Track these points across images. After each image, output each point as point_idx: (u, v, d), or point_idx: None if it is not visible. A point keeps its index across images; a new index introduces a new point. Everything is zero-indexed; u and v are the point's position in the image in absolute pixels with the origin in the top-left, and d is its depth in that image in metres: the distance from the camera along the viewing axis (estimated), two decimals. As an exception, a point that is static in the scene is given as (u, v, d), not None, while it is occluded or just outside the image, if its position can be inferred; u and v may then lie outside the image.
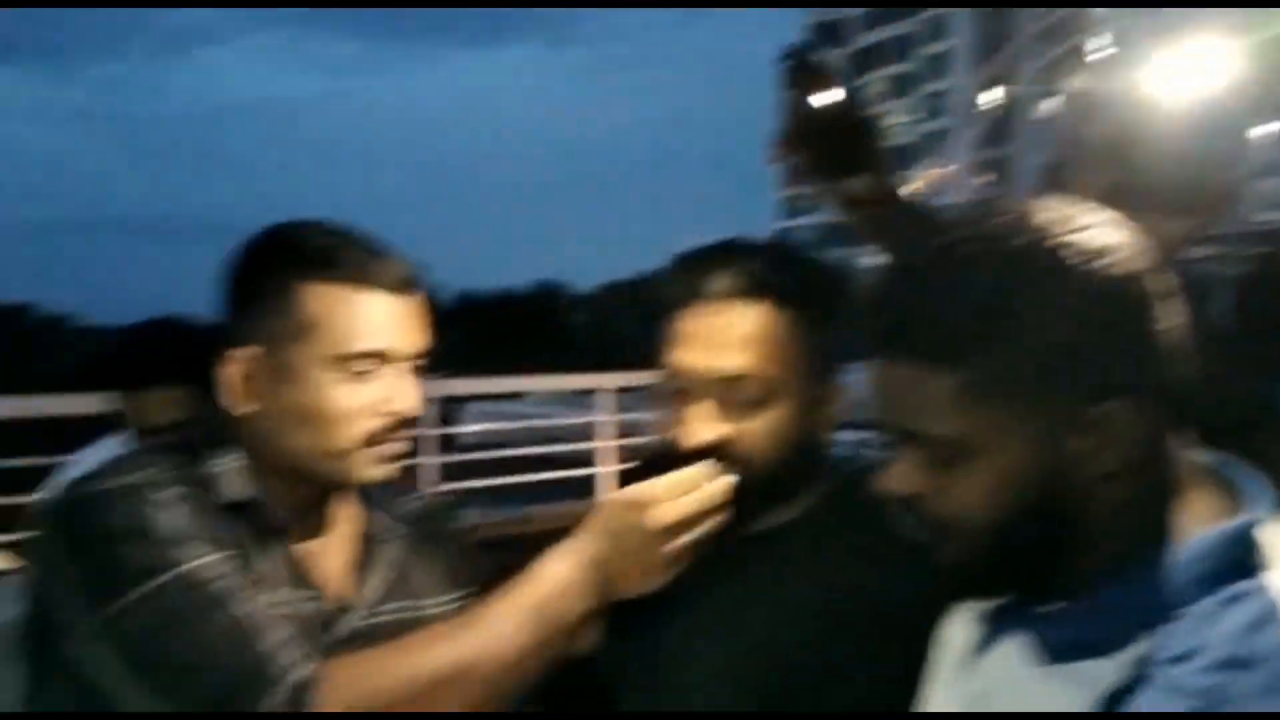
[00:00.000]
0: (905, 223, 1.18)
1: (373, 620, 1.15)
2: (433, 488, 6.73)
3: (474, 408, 18.64)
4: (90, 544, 1.00)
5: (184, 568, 0.99)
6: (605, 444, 7.52)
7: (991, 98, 26.63)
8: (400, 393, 1.10)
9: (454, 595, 1.25)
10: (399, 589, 1.20)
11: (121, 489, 1.03)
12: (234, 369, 1.09)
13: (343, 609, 1.14)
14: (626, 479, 1.38)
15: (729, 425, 1.12)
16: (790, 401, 1.12)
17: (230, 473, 1.10)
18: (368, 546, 1.20)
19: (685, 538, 1.06)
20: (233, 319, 1.11)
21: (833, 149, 1.16)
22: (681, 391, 1.15)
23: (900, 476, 0.87)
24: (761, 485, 1.13)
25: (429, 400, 6.95)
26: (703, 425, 1.12)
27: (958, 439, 0.82)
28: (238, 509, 1.09)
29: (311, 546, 1.14)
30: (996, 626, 0.90)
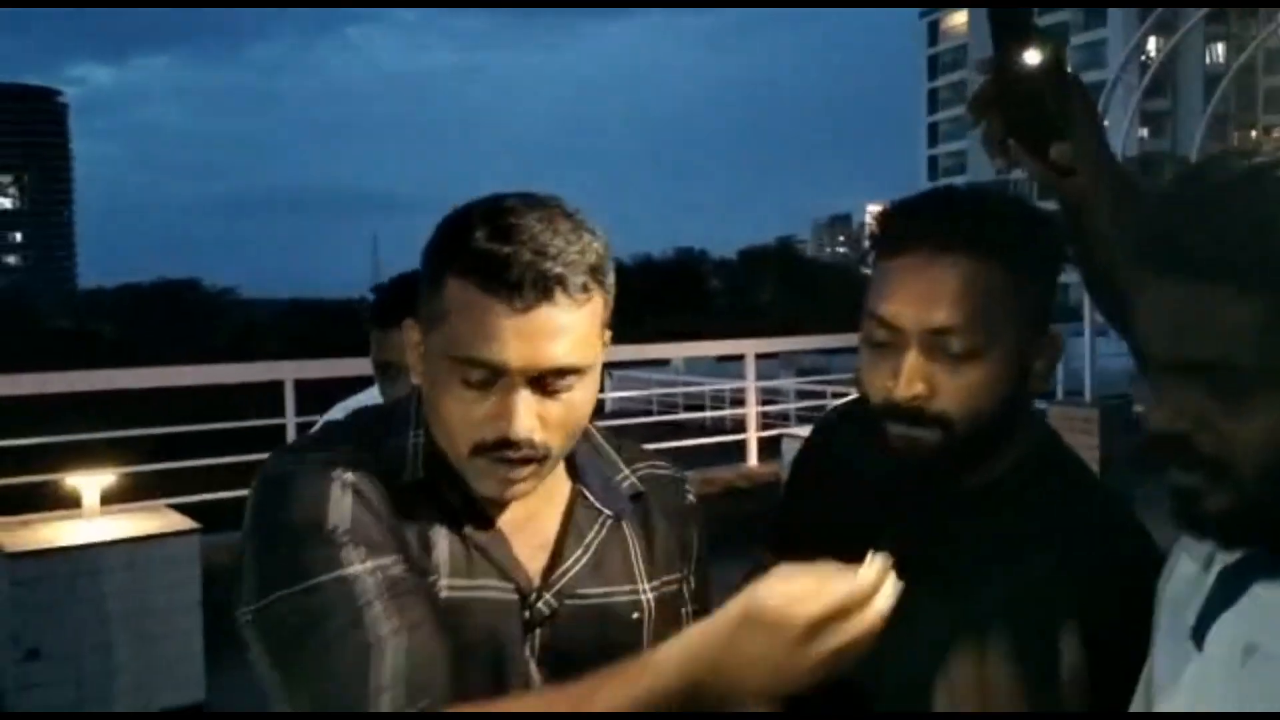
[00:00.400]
0: (1116, 187, 1.09)
1: (571, 603, 1.08)
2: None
3: (616, 374, 18.85)
4: (260, 530, 1.00)
5: (332, 574, 0.96)
6: (752, 409, 7.54)
7: (1152, 48, 25.00)
8: (508, 411, 0.99)
9: (673, 575, 1.17)
10: (608, 569, 1.11)
11: (305, 470, 1.01)
12: (407, 337, 1.06)
13: (531, 595, 1.06)
14: (823, 429, 1.32)
15: (936, 380, 1.07)
16: (1001, 356, 1.08)
17: (412, 450, 1.06)
18: (568, 527, 1.11)
19: (831, 643, 0.88)
20: (421, 287, 1.06)
21: (1039, 112, 1.07)
22: (885, 344, 1.10)
23: (1174, 412, 0.80)
24: (967, 443, 1.09)
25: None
26: (908, 379, 1.07)
27: (1258, 368, 0.75)
28: (419, 489, 1.04)
29: (503, 527, 1.07)
30: (1246, 578, 0.83)
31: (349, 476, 1.01)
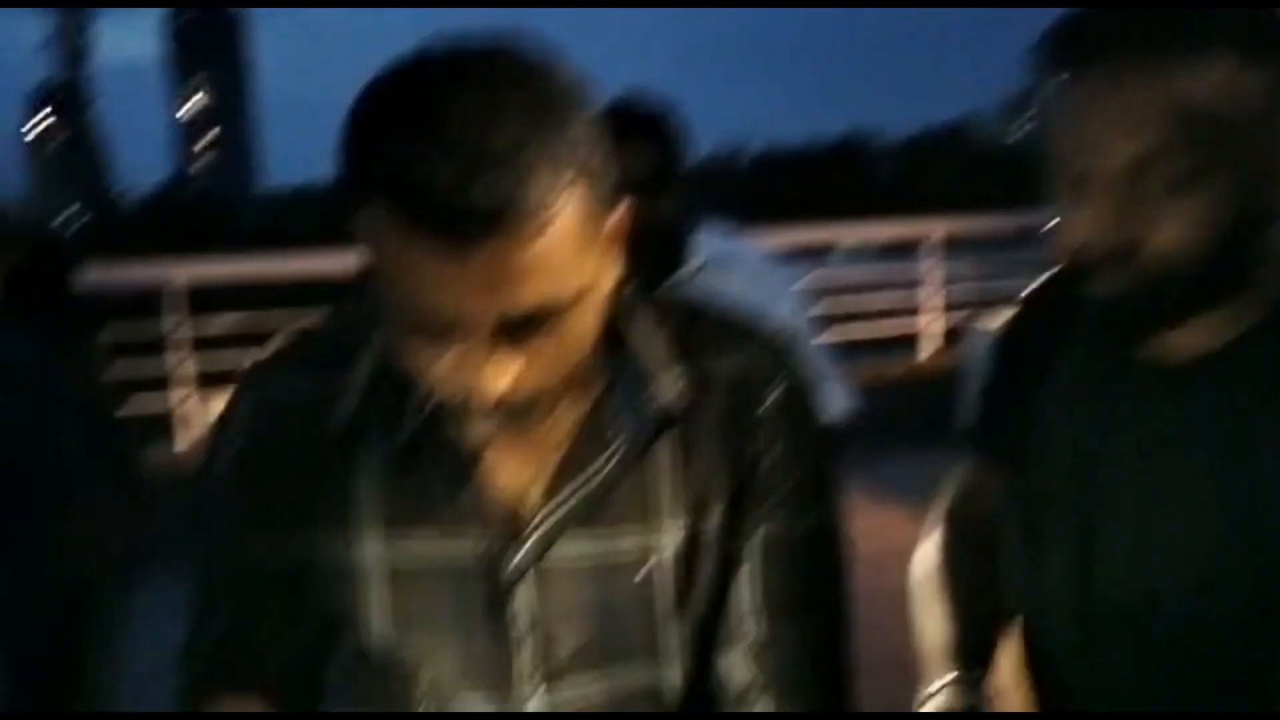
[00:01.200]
0: None
1: (564, 551, 0.86)
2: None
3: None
4: (228, 411, 0.91)
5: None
6: (929, 297, 7.09)
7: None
8: (474, 374, 0.75)
9: (690, 519, 0.88)
10: (599, 513, 0.87)
11: (247, 392, 0.90)
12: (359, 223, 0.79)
13: (509, 545, 0.86)
14: (1026, 310, 1.16)
15: (1134, 221, 0.88)
16: (1219, 187, 0.87)
17: (357, 381, 0.87)
18: (573, 452, 0.86)
19: None
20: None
21: None
22: (1073, 185, 0.90)
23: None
24: (1182, 297, 0.91)
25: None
26: (1099, 222, 0.88)
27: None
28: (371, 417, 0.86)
29: (481, 456, 0.86)
30: None
31: (251, 424, 0.88)
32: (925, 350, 7.07)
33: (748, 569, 0.89)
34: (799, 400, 0.90)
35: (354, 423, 0.85)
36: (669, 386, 0.87)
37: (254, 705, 0.89)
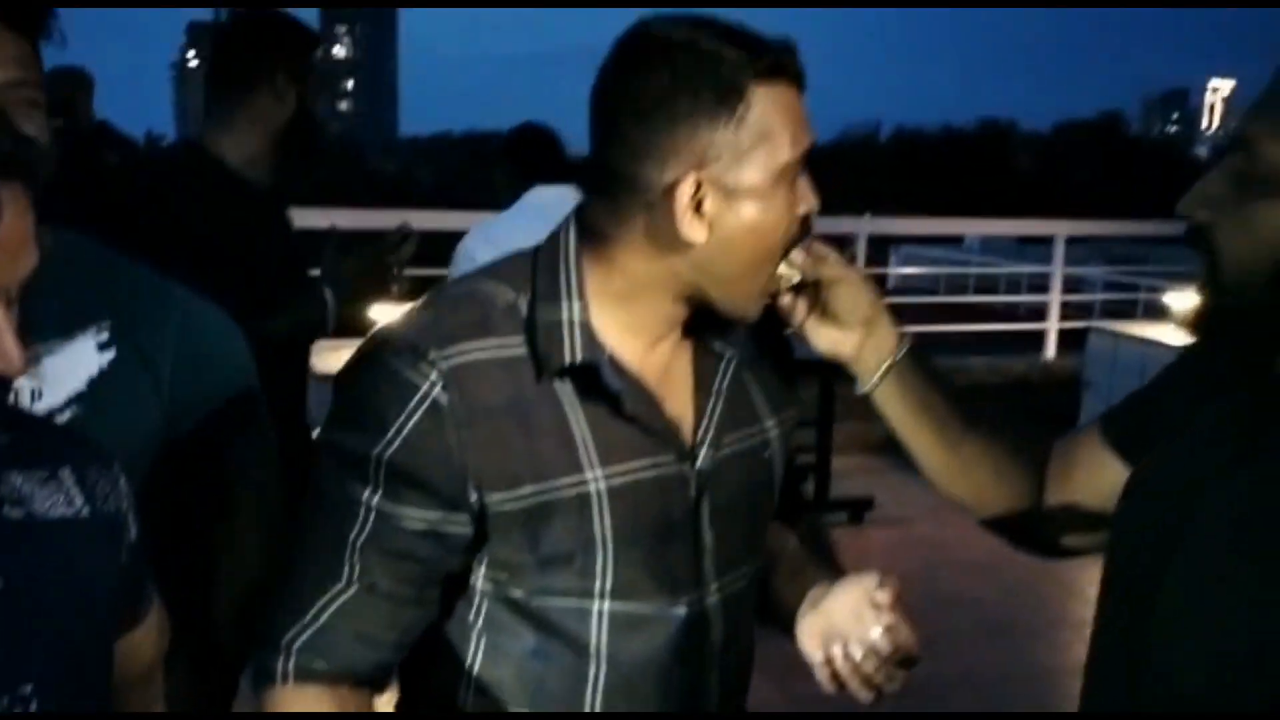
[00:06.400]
0: None
1: (719, 455, 1.05)
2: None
3: (904, 250, 18.06)
4: (337, 403, 0.99)
5: (342, 494, 0.96)
6: (1055, 297, 6.91)
7: None
8: (805, 189, 1.00)
9: (785, 412, 1.14)
10: (736, 414, 1.08)
11: (400, 359, 0.95)
12: (679, 196, 0.94)
13: (692, 456, 1.03)
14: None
15: (1220, 205, 0.86)
16: None
17: (568, 326, 0.97)
18: (701, 375, 1.06)
19: None
20: (689, 137, 0.95)
21: None
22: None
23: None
24: (1238, 316, 0.87)
25: (857, 238, 6.81)
26: (1193, 193, 0.88)
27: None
28: (565, 373, 0.97)
29: (652, 393, 1.01)
30: None
31: (438, 387, 0.94)
32: (1049, 350, 6.91)
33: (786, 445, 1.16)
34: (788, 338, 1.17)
35: (560, 374, 0.97)
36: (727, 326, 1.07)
37: (342, 702, 0.98)
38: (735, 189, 0.94)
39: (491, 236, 2.63)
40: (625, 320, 1.00)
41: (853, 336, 1.10)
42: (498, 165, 3.00)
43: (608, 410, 0.98)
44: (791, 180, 0.96)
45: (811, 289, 1.08)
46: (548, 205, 2.59)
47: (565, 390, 0.97)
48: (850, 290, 1.08)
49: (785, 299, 1.08)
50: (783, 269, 1.03)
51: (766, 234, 0.97)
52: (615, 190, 0.96)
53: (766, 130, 0.93)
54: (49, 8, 1.04)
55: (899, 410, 1.13)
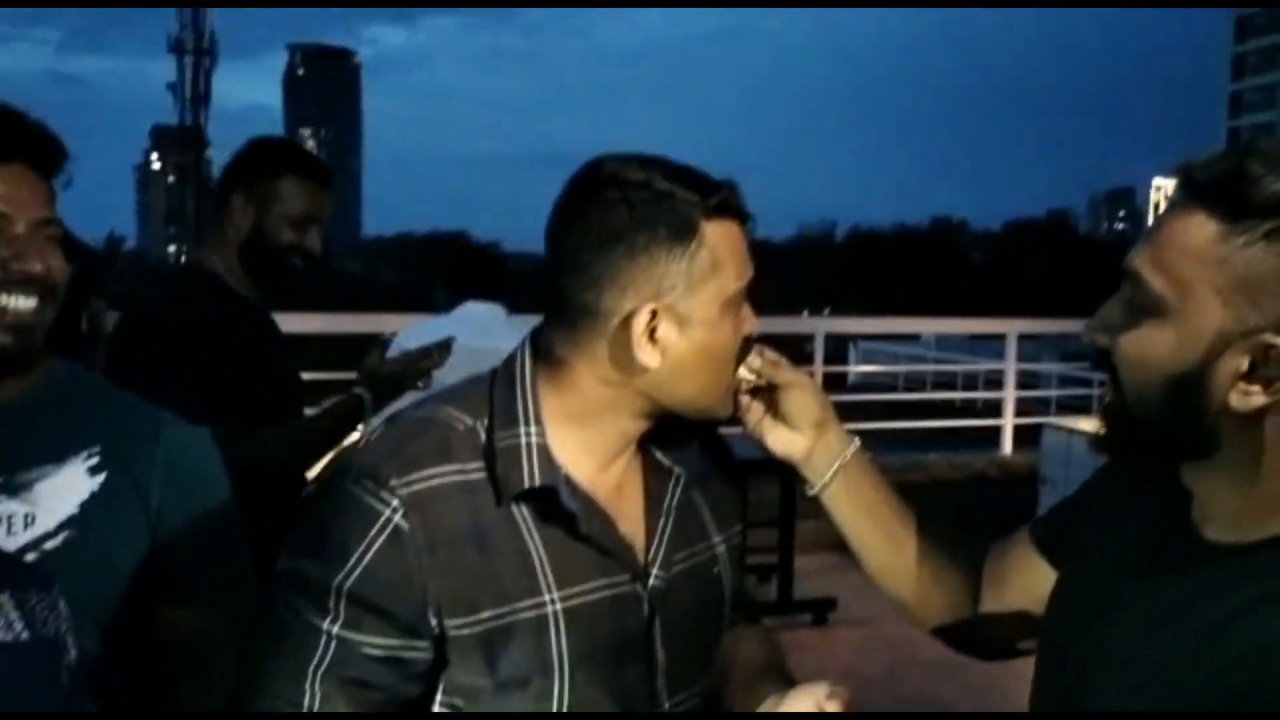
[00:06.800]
0: None
1: (671, 574, 1.07)
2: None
3: (862, 346, 18.30)
4: (301, 529, 1.00)
5: (302, 618, 0.95)
6: (1010, 393, 7.03)
7: None
8: (748, 311, 1.06)
9: (732, 529, 1.18)
10: (686, 532, 1.11)
11: (362, 489, 0.96)
12: (635, 328, 0.99)
13: (644, 575, 1.05)
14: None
15: (1113, 329, 0.92)
16: (1191, 326, 0.86)
17: (526, 450, 0.99)
18: (652, 493, 1.10)
19: None
20: (652, 270, 1.00)
21: None
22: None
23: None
24: (1139, 427, 0.91)
25: (816, 336, 6.93)
26: (1094, 318, 0.94)
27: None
28: (522, 497, 0.99)
29: (606, 513, 1.04)
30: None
31: (398, 514, 0.95)
32: (1006, 446, 6.99)
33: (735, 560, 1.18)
34: (733, 453, 1.22)
35: (518, 498, 0.99)
36: (688, 435, 1.11)
37: None
38: (688, 317, 1.00)
39: (422, 337, 2.76)
40: (582, 441, 1.03)
41: (803, 439, 1.14)
42: (439, 276, 3.33)
43: (564, 531, 1.00)
44: (737, 307, 1.03)
45: (765, 392, 1.13)
46: (477, 317, 3.01)
47: (523, 513, 1.00)
48: (801, 394, 1.13)
49: (741, 400, 1.13)
50: (741, 372, 1.09)
51: (715, 356, 1.03)
52: (573, 317, 1.00)
53: (716, 263, 1.00)
54: (66, 155, 1.18)
55: (847, 511, 1.17)
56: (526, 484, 0.98)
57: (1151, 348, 0.88)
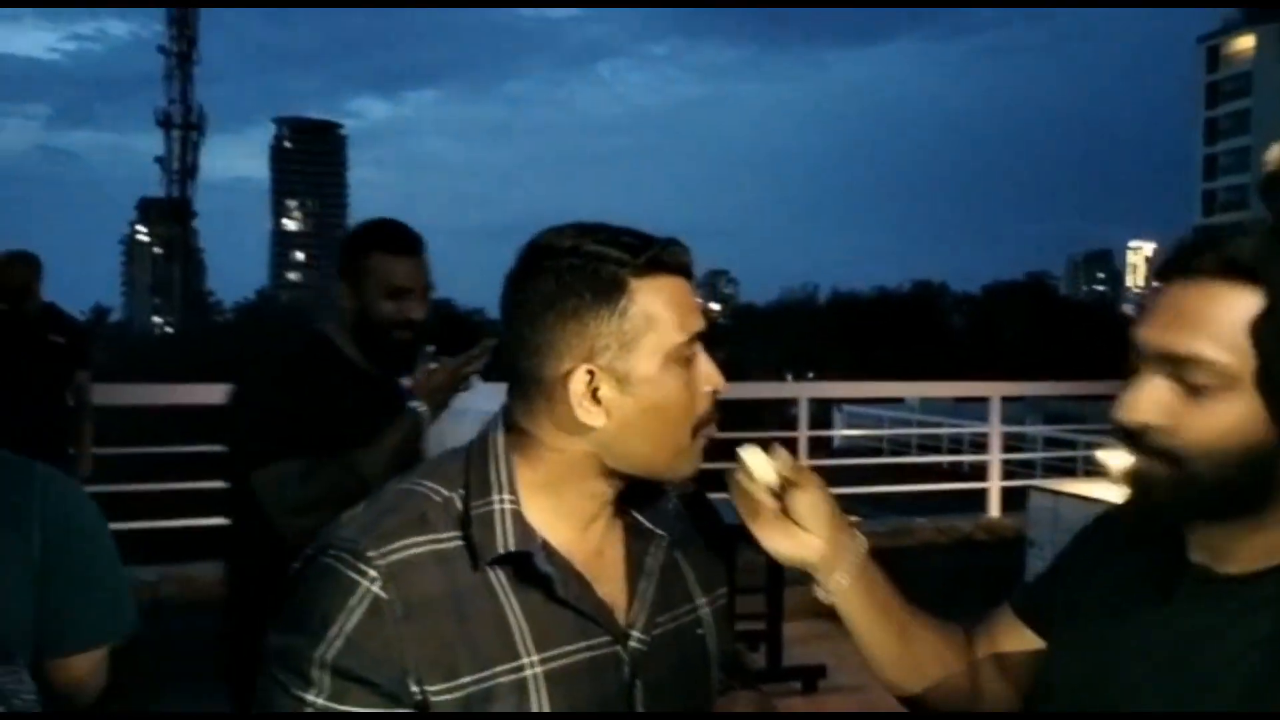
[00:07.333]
0: None
1: (653, 636, 1.08)
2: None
3: (846, 410, 18.34)
4: (286, 605, 1.00)
5: (291, 692, 0.96)
6: (995, 456, 7.05)
7: None
8: (713, 372, 1.07)
9: (717, 590, 1.19)
10: (669, 594, 1.12)
11: (342, 562, 0.97)
12: (573, 390, 1.02)
13: (624, 637, 1.06)
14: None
15: (1172, 410, 0.95)
16: (1256, 397, 0.93)
17: (500, 517, 1.02)
18: (634, 555, 1.11)
19: None
20: (586, 331, 1.03)
21: None
22: (1135, 367, 0.99)
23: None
24: (1207, 489, 0.95)
25: (800, 401, 6.95)
26: (1141, 402, 0.96)
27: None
28: (497, 562, 1.01)
29: (584, 576, 1.05)
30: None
31: (377, 584, 0.96)
32: (993, 509, 6.99)
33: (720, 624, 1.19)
34: (717, 516, 1.24)
35: (494, 564, 1.00)
36: (672, 497, 1.14)
37: None
38: (627, 375, 1.01)
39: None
40: (555, 506, 1.05)
41: (816, 542, 1.10)
42: (421, 344, 3.38)
43: (542, 596, 1.01)
44: (685, 361, 1.04)
45: (770, 493, 1.11)
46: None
47: (500, 579, 1.01)
48: (813, 496, 1.10)
49: (745, 500, 1.11)
50: (759, 471, 1.08)
51: (665, 412, 1.03)
52: (526, 387, 1.04)
53: (651, 319, 1.01)
54: None
55: (862, 611, 1.14)
56: (500, 549, 1.00)
57: (1231, 421, 0.92)
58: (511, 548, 1.00)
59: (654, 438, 1.03)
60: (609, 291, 1.00)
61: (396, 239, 2.21)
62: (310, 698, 0.95)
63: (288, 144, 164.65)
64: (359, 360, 2.21)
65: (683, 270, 1.05)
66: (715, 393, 1.07)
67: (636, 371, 1.01)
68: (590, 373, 1.01)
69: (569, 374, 1.00)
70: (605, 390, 1.01)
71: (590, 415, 1.01)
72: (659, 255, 1.02)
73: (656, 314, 1.01)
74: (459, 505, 1.02)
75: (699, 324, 1.05)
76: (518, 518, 1.02)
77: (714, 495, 1.22)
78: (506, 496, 1.02)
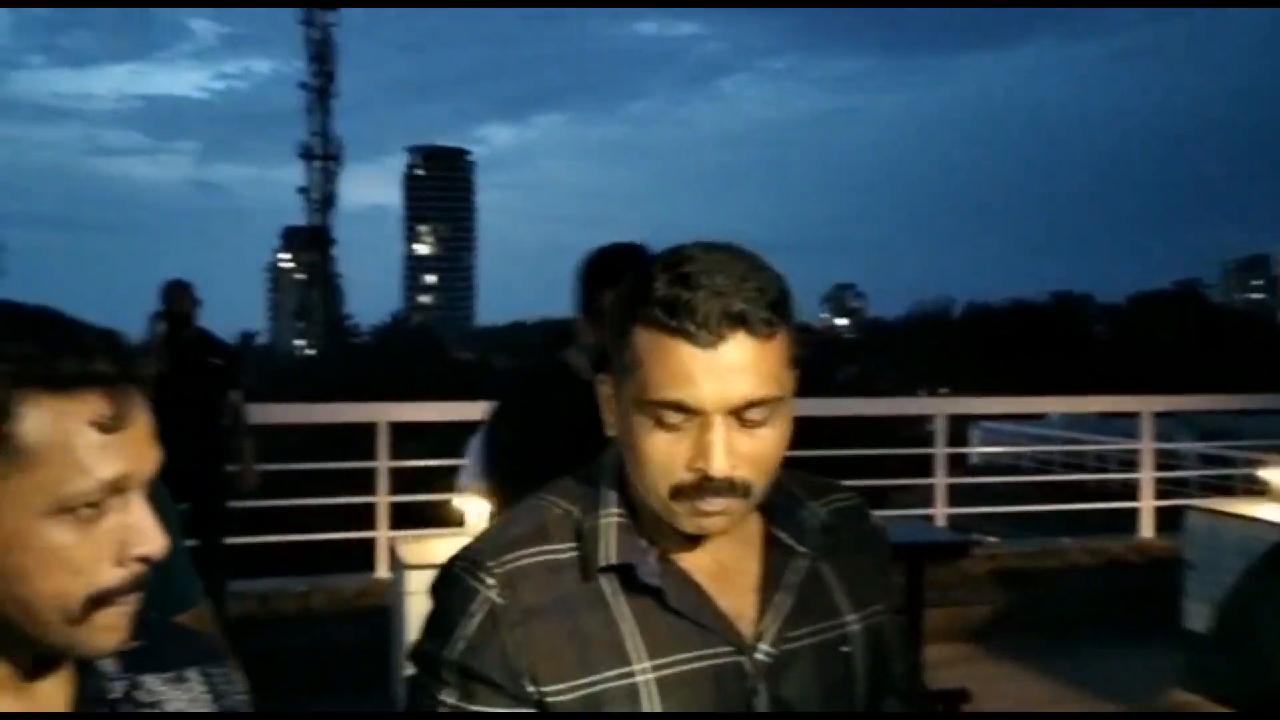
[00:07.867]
0: None
1: (786, 648, 1.08)
2: (943, 509, 6.46)
3: (983, 426, 17.80)
4: (426, 619, 1.07)
5: (422, 694, 1.04)
6: (1148, 474, 6.72)
7: None
8: (705, 450, 1.00)
9: (872, 607, 1.18)
10: (808, 608, 1.11)
11: (462, 576, 1.06)
12: (600, 392, 1.10)
13: (750, 648, 1.07)
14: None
15: None
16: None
17: (604, 531, 1.07)
18: (768, 572, 1.11)
19: None
20: (609, 342, 1.09)
21: None
22: None
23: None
24: None
25: (937, 417, 6.77)
26: None
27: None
28: (613, 572, 1.06)
29: (704, 586, 1.08)
30: None
31: (494, 591, 1.03)
32: (1145, 529, 6.66)
33: (892, 644, 1.18)
34: (882, 529, 1.24)
35: (605, 574, 1.06)
36: (817, 514, 1.14)
37: None
38: (620, 400, 1.06)
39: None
40: (661, 522, 1.07)
41: None
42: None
43: (655, 605, 1.06)
44: (675, 423, 1.01)
45: None
46: None
47: (611, 588, 1.06)
48: None
49: None
50: None
51: (635, 451, 1.04)
52: None
53: (636, 363, 1.03)
54: None
55: None
56: (603, 560, 1.06)
57: None
58: (613, 560, 1.05)
59: (635, 471, 1.06)
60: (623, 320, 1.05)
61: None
62: (443, 697, 1.03)
63: (419, 171, 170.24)
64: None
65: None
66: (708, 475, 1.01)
67: (627, 397, 1.05)
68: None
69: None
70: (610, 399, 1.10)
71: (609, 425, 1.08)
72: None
73: (640, 362, 1.03)
74: (577, 518, 1.08)
75: (678, 395, 1.00)
76: (625, 531, 1.07)
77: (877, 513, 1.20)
78: (614, 510, 1.08)
